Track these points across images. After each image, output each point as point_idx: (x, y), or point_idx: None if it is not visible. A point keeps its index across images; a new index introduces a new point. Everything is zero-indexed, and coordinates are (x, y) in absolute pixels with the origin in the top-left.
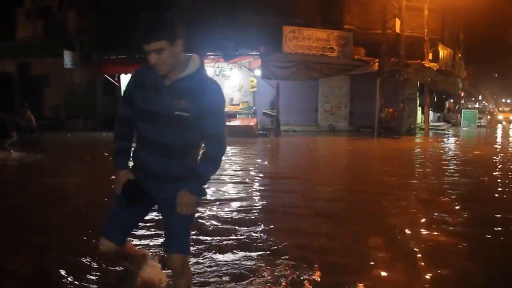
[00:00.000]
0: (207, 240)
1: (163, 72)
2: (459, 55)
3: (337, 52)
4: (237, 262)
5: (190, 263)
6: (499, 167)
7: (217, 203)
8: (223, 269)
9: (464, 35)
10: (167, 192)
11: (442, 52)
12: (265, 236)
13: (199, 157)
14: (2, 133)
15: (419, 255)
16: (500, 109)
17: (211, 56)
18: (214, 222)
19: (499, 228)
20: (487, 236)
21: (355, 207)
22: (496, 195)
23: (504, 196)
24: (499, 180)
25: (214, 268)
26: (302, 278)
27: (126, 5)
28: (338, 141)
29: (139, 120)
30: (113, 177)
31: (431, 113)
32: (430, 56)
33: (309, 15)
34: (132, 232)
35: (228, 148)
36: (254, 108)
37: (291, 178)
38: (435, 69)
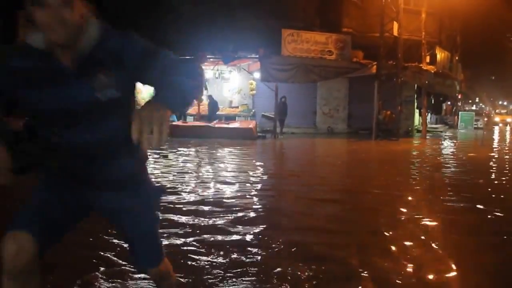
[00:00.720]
0: (206, 234)
1: (61, 39)
2: (456, 58)
3: (335, 55)
4: (235, 254)
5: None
6: (494, 169)
7: (215, 199)
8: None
9: (461, 38)
10: (122, 202)
11: (440, 55)
12: (262, 228)
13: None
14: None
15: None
16: (497, 111)
17: (211, 59)
18: (213, 209)
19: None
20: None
21: (352, 205)
22: (491, 193)
23: (497, 195)
24: (495, 181)
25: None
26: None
27: (127, 8)
28: (336, 143)
29: (42, 125)
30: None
31: (428, 115)
32: (428, 59)
33: (307, 18)
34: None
35: (227, 150)
36: (253, 110)
37: (288, 177)
38: (432, 72)
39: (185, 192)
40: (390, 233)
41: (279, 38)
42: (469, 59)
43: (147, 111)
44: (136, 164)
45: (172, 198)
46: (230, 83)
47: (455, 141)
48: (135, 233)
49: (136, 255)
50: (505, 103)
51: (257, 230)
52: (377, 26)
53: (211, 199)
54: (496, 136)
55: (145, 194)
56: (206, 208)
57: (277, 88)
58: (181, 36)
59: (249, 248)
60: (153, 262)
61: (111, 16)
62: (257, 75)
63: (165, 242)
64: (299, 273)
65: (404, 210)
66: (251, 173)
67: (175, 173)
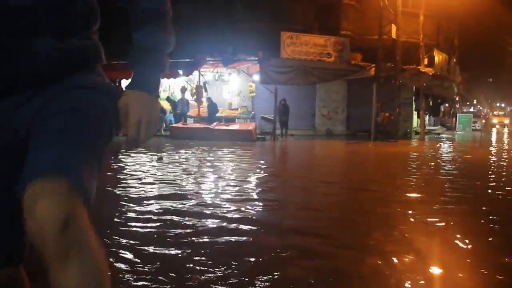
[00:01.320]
0: (205, 224)
1: None
2: (454, 60)
3: (334, 57)
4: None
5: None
6: (491, 171)
7: (216, 195)
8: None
9: (459, 41)
10: (48, 105)
11: (438, 57)
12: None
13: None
14: None
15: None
16: (494, 113)
17: (211, 61)
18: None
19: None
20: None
21: (345, 203)
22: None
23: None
24: (491, 182)
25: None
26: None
27: (125, 10)
28: (335, 145)
29: None
30: None
31: (426, 117)
32: (426, 61)
33: (306, 21)
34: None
35: (227, 151)
36: (252, 112)
37: (287, 177)
38: (430, 74)
39: (185, 184)
40: (384, 229)
41: (278, 40)
42: (467, 61)
43: (137, 109)
44: (72, 46)
45: (170, 193)
46: (230, 85)
47: (453, 143)
48: (48, 131)
49: (31, 156)
50: (502, 105)
51: (254, 219)
52: (375, 29)
53: (211, 198)
54: (494, 138)
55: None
56: (206, 205)
57: (277, 90)
58: (181, 38)
59: (246, 238)
60: (51, 166)
61: (109, 18)
62: (256, 77)
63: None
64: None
65: (399, 209)
66: (250, 173)
67: (176, 173)
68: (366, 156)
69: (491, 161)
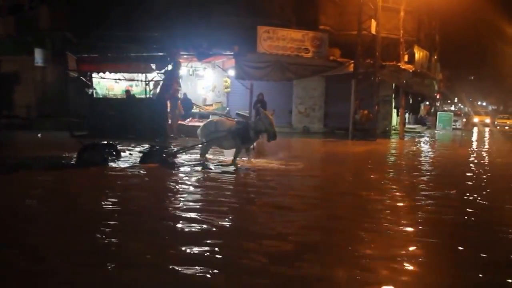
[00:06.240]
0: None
1: None
2: (435, 57)
3: (312, 53)
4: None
5: None
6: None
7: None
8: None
9: (440, 37)
10: None
11: (418, 54)
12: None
13: None
14: (245, 139)
15: None
16: (475, 111)
17: (185, 56)
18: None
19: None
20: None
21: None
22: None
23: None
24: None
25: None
26: None
27: (98, 2)
28: (311, 143)
29: None
30: None
31: (406, 115)
32: (406, 57)
33: (284, 15)
34: None
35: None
36: (227, 108)
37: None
38: (410, 71)
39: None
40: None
41: (255, 35)
42: (448, 58)
43: None
44: None
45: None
46: (204, 81)
47: (432, 142)
48: None
49: None
50: (484, 103)
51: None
52: (354, 24)
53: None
54: (474, 138)
55: None
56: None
57: (252, 86)
58: (154, 32)
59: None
60: None
61: (82, 11)
62: (232, 72)
63: None
64: None
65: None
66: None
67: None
68: (343, 156)
69: (469, 163)
